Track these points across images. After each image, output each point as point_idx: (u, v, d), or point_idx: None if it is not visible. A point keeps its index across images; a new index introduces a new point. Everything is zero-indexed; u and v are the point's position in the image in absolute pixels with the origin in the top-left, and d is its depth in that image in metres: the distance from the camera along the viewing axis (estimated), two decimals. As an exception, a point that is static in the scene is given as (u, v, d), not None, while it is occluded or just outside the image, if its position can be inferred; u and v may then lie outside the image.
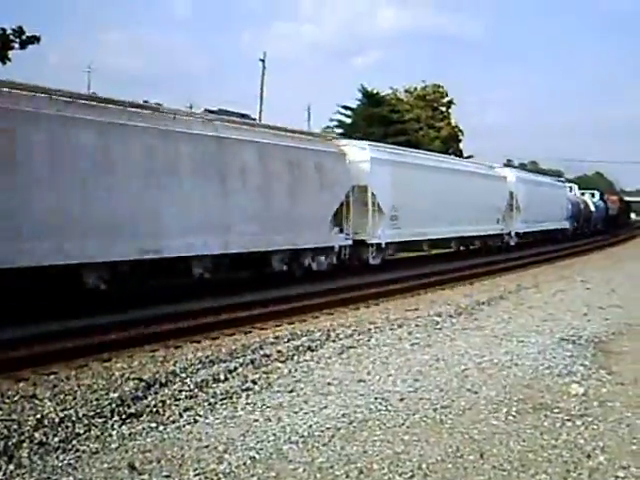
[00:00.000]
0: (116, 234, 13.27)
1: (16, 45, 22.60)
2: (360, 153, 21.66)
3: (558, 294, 16.96)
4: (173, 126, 15.04)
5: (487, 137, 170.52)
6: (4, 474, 5.51)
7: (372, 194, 21.49)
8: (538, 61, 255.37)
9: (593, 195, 57.07)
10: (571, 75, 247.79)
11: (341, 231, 20.21)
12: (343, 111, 47.57)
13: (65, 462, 5.78)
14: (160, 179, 14.37)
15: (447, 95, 52.91)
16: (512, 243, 33.97)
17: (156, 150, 14.40)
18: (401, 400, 7.48)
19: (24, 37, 22.61)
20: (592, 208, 52.97)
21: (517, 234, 34.42)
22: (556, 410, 7.17)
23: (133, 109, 14.49)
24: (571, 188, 50.93)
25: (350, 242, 20.52)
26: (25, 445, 6.08)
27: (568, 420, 6.85)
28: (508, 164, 65.81)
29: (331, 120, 48.23)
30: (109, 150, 13.44)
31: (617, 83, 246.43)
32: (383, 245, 22.20)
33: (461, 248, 31.22)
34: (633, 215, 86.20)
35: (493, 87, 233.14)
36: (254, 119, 25.23)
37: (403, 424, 6.70)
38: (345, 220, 20.32)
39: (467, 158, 41.69)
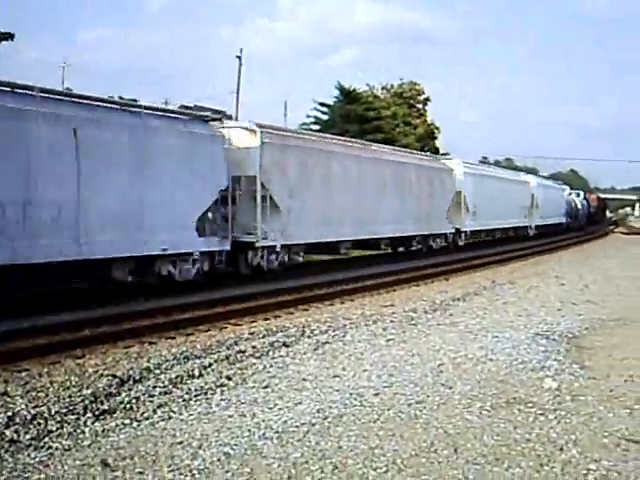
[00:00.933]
0: (360, 223, 22.64)
1: None
2: (458, 167, 31.48)
3: (532, 290, 17.12)
4: (381, 155, 25.27)
5: (461, 134, 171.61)
6: (-26, 472, 5.43)
7: (464, 197, 30.95)
8: (511, 61, 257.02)
9: (578, 195, 63.05)
10: (546, 75, 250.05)
11: (448, 222, 30.01)
12: (320, 108, 47.46)
13: (37, 459, 5.71)
14: (376, 191, 23.91)
15: (424, 92, 53.11)
16: (531, 233, 42.85)
17: (379, 172, 24.27)
18: (376, 395, 7.49)
19: None
20: (579, 206, 59.33)
21: (536, 226, 43.80)
22: (530, 404, 7.24)
23: (367, 145, 25.92)
24: (564, 189, 57.05)
25: (454, 230, 30.33)
26: (-5, 443, 6.00)
27: (541, 414, 6.91)
28: (484, 161, 67.04)
29: (308, 116, 48.03)
30: (362, 174, 23.08)
31: (591, 85, 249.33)
32: (468, 233, 32.03)
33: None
34: (607, 212, 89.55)
35: (467, 84, 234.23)
36: (230, 116, 25.15)
37: (378, 419, 6.71)
38: (451, 215, 30.03)
39: (443, 155, 41.80)
